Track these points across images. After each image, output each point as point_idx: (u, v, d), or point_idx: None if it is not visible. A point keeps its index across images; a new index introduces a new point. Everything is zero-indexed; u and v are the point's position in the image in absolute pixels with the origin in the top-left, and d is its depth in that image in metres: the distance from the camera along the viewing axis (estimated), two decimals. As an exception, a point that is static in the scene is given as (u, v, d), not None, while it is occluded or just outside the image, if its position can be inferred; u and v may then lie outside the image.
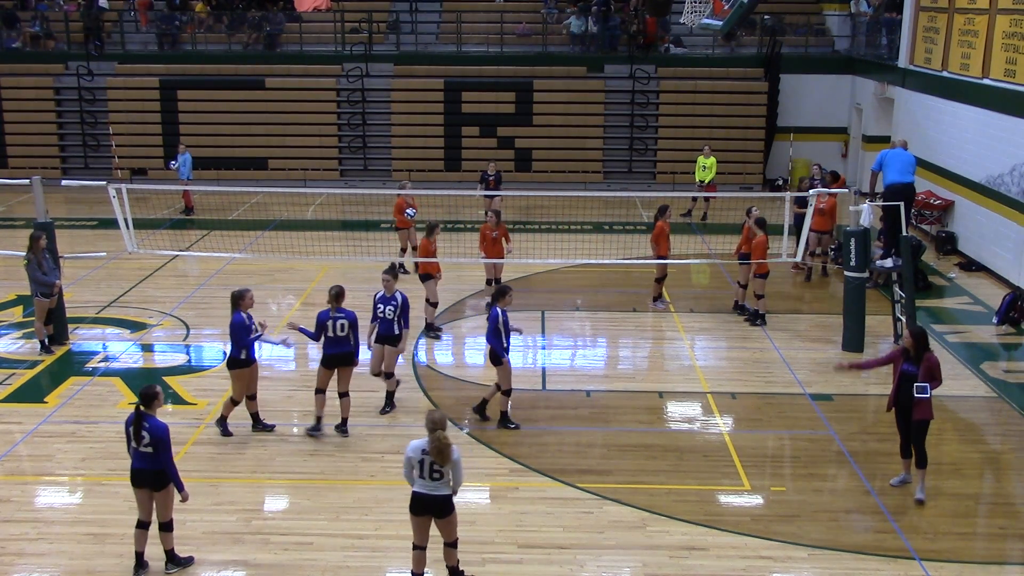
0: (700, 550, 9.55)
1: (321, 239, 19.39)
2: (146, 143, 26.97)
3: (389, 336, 12.25)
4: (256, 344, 11.64)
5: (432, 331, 15.41)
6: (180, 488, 8.92)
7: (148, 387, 9.06)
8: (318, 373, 11.84)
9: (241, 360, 11.48)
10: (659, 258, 16.49)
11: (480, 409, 12.34)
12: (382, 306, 12.19)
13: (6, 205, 24.37)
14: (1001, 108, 18.49)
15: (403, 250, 18.52)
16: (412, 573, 8.81)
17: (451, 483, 8.49)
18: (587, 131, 26.78)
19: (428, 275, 15.29)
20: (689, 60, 27.63)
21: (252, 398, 11.87)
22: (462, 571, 8.91)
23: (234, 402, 11.76)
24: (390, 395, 12.59)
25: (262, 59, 27.91)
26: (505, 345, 11.91)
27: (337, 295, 11.65)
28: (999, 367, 14.56)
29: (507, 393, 12.12)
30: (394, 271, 12.45)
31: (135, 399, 9.60)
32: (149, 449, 8.78)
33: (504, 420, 12.19)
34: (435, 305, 15.44)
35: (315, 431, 11.89)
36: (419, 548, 8.70)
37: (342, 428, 11.93)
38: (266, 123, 26.99)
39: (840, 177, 19.90)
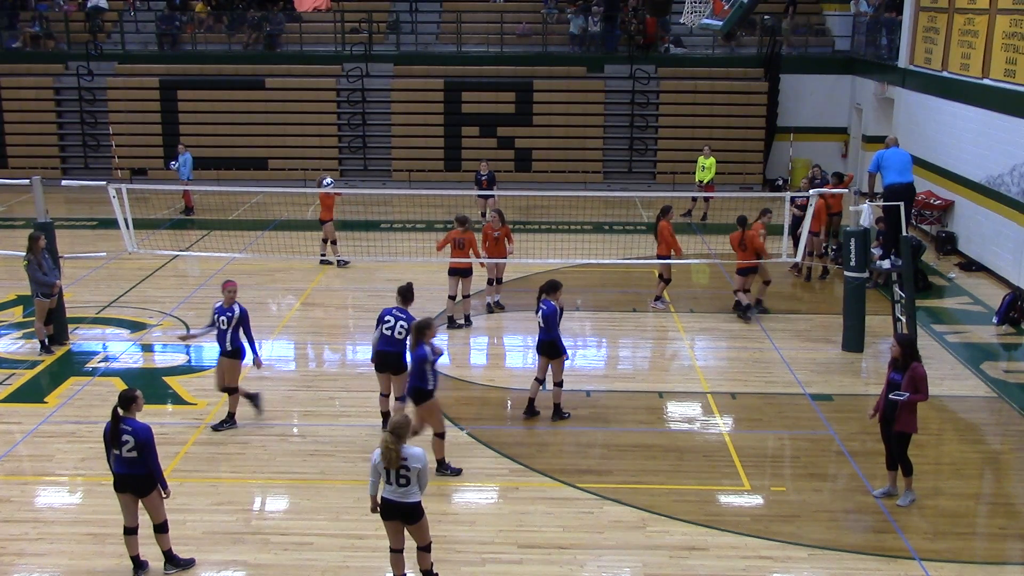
0: (700, 550, 9.55)
1: (321, 239, 19.37)
2: (146, 143, 26.97)
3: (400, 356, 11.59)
4: (436, 371, 10.72)
5: (463, 322, 15.80)
6: (164, 487, 8.87)
7: (127, 390, 8.93)
8: (229, 369, 11.81)
9: (428, 391, 10.57)
10: (660, 258, 16.52)
11: (530, 410, 12.41)
12: (396, 322, 11.47)
13: (6, 205, 24.38)
14: (1001, 108, 18.48)
15: (325, 241, 18.90)
16: None
17: (420, 488, 8.42)
18: (587, 131, 26.76)
19: (469, 270, 15.58)
20: (689, 60, 27.62)
21: (441, 436, 10.91)
22: (436, 574, 8.89)
23: (440, 436, 10.84)
24: (387, 415, 11.73)
25: (262, 59, 27.91)
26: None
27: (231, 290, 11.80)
28: (999, 367, 14.56)
29: (560, 384, 12.24)
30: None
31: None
32: (133, 453, 8.67)
33: (558, 412, 12.29)
34: (467, 297, 15.78)
35: (229, 424, 12.01)
36: (396, 551, 8.72)
37: (230, 422, 11.98)
38: (266, 123, 26.99)
39: (845, 177, 19.89)
